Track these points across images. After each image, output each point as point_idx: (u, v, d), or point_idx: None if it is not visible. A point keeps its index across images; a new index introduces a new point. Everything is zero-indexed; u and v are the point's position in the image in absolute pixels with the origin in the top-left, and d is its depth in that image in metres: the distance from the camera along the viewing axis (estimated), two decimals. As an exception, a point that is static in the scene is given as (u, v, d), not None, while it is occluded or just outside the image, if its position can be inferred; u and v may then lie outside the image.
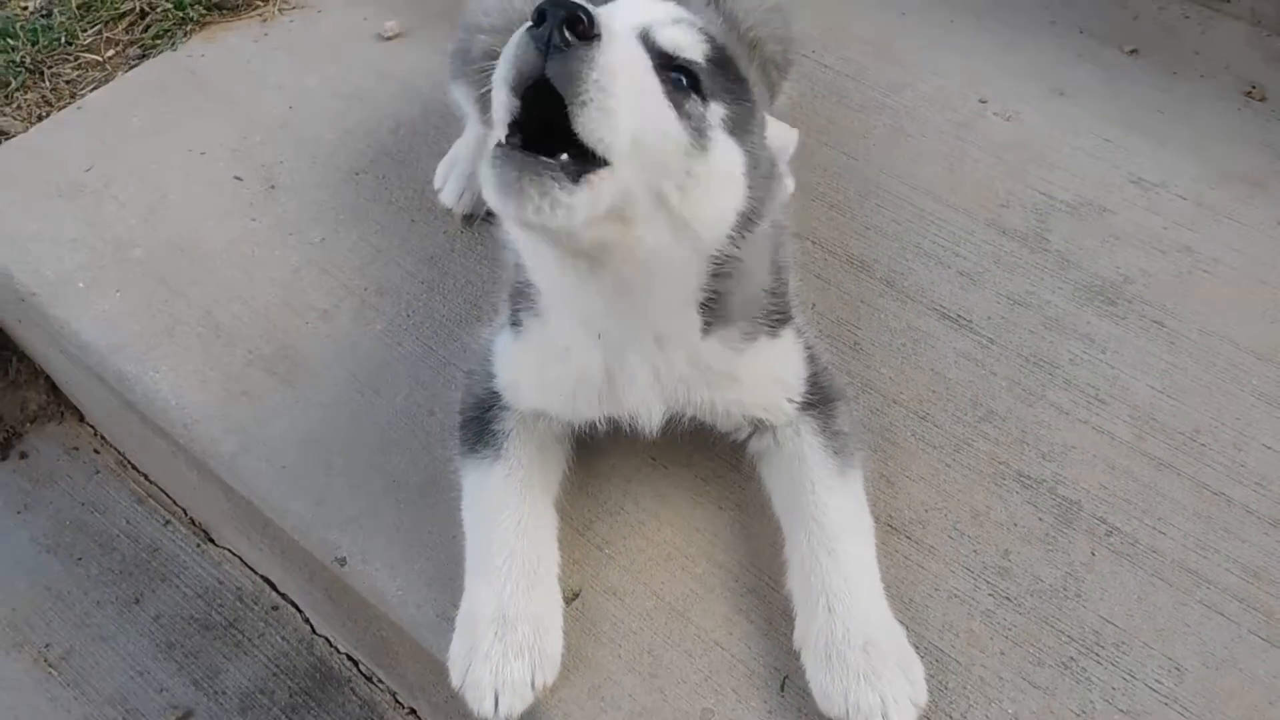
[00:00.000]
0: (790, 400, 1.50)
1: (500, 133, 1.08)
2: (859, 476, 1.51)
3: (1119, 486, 1.62)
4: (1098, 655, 1.45)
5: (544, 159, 1.03)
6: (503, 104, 1.07)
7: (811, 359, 1.54)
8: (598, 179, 1.05)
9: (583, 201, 1.05)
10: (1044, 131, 2.16)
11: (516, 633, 1.35)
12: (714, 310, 1.36)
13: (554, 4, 1.01)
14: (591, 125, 1.03)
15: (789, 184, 1.41)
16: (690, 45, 1.22)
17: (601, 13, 1.05)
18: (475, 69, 1.85)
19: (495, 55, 1.80)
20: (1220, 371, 1.77)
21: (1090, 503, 1.60)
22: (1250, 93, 2.25)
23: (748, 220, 1.28)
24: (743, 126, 1.26)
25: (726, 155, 1.22)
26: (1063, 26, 2.38)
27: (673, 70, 1.17)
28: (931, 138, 2.15)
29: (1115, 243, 1.96)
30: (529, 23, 1.03)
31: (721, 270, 1.31)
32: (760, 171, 1.30)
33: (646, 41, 1.18)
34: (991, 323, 1.83)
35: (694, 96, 1.18)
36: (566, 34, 1.01)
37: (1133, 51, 2.32)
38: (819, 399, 1.52)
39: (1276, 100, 2.23)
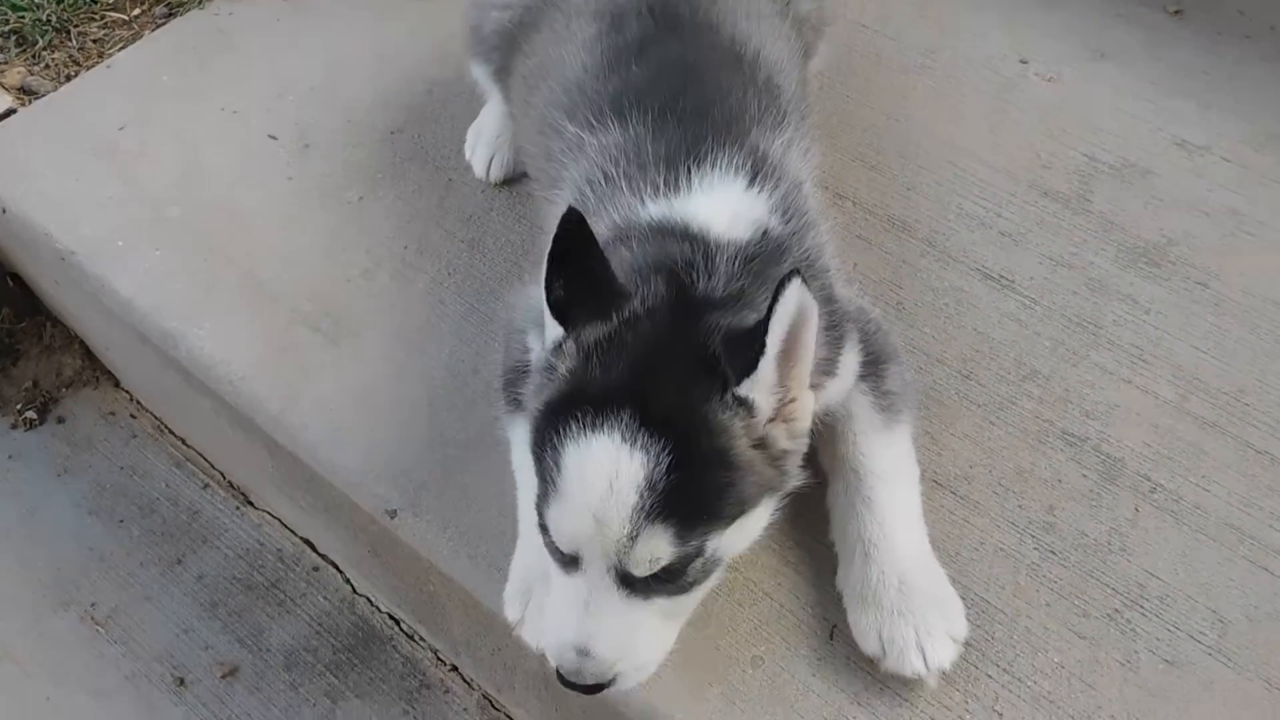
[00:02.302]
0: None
1: None
2: (906, 432, 1.51)
3: (1163, 445, 1.62)
4: (1142, 608, 1.46)
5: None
6: None
7: (864, 333, 1.50)
8: None
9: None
10: (1086, 93, 2.14)
11: None
12: None
13: (572, 686, 1.22)
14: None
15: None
16: (661, 551, 1.15)
17: (606, 649, 1.20)
18: (489, 47, 1.84)
19: (508, 33, 1.79)
20: (1265, 334, 1.76)
21: (1134, 460, 1.61)
22: (1296, 54, 2.22)
23: None
24: (751, 506, 1.22)
25: (733, 541, 1.23)
26: (1103, -14, 2.35)
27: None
28: (972, 99, 2.14)
29: (1159, 205, 1.94)
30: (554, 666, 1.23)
31: None
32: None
33: (623, 576, 1.18)
34: (1035, 283, 1.83)
35: (688, 569, 1.20)
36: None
37: (1176, 13, 2.29)
38: (870, 363, 1.50)
39: (1322, 62, 2.21)
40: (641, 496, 1.12)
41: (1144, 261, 1.86)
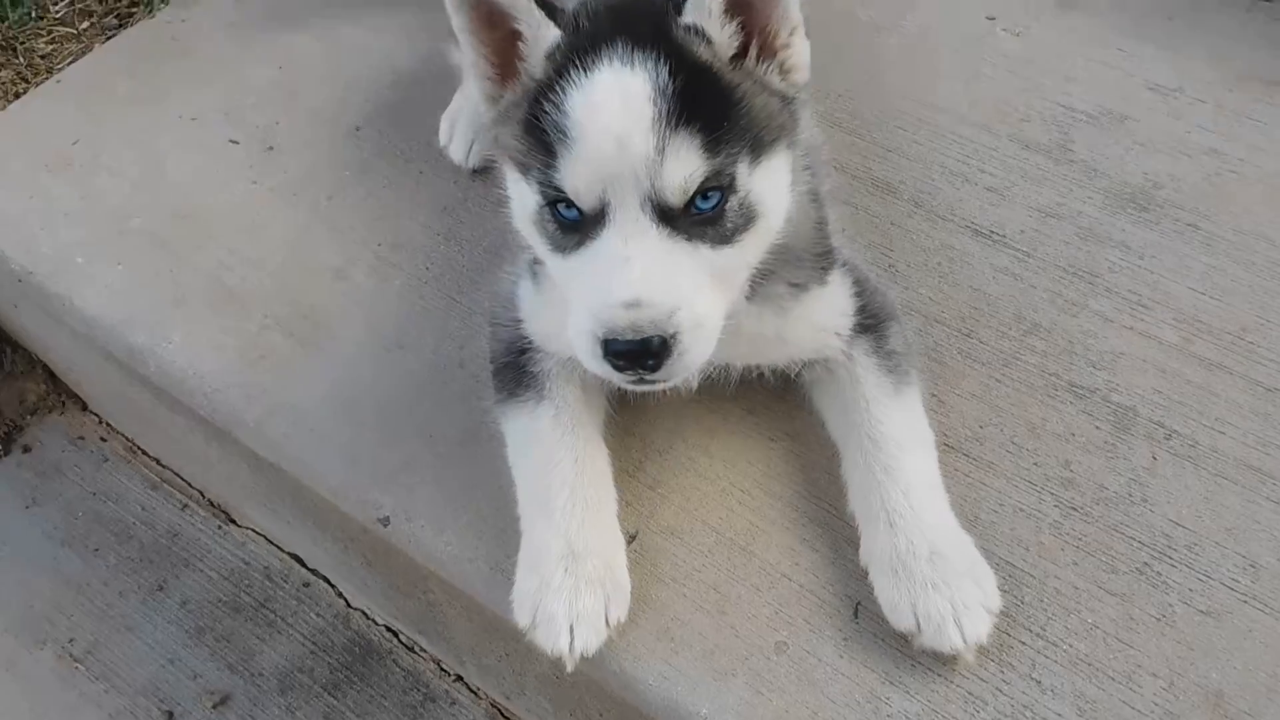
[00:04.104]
0: (839, 335, 1.46)
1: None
2: (916, 394, 1.47)
3: (1172, 390, 1.59)
4: (1171, 558, 1.42)
5: (648, 375, 1.17)
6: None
7: (859, 284, 1.49)
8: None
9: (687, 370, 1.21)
10: (1055, 44, 2.12)
11: (586, 566, 1.30)
12: (758, 278, 1.32)
13: (626, 358, 1.15)
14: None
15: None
16: (692, 164, 1.15)
17: (660, 293, 1.14)
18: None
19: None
20: (1260, 270, 1.73)
21: (1145, 408, 1.57)
22: (1258, -6, 2.21)
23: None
24: (767, 139, 1.22)
25: (763, 187, 1.22)
26: (1066, -63, 2.33)
27: (700, 198, 1.17)
28: (944, 58, 2.11)
29: (1140, 149, 1.92)
30: (601, 349, 1.16)
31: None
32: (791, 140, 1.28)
33: (661, 210, 1.16)
34: (1025, 236, 1.79)
35: (725, 209, 1.19)
36: (651, 368, 1.16)
37: (1138, -41, 2.28)
38: (871, 322, 1.47)
39: (1286, -1, 2.20)
40: (655, 105, 1.13)
41: (1132, 206, 1.83)
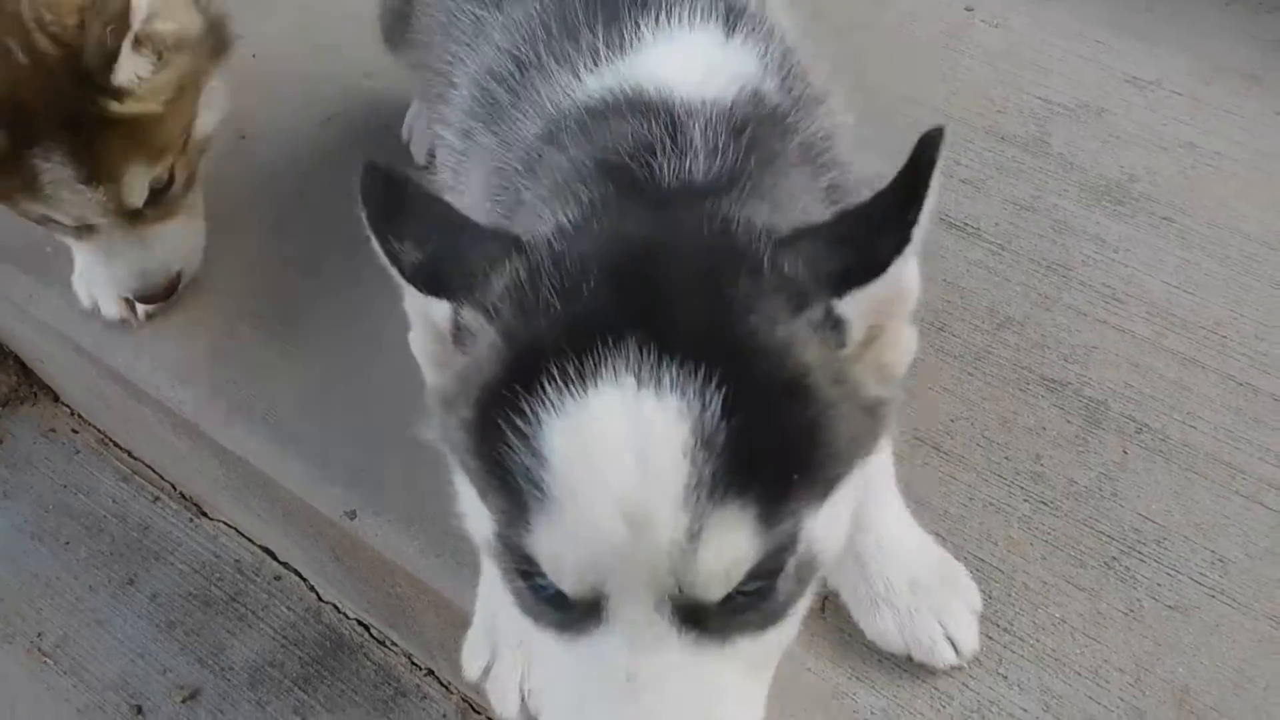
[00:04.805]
0: None
1: None
2: None
3: (1144, 384, 1.58)
4: (1140, 553, 1.41)
5: None
6: None
7: None
8: None
9: None
10: (1034, 36, 2.11)
11: None
12: None
13: None
14: None
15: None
16: (740, 549, 0.73)
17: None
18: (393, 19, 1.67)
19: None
20: (1234, 264, 1.73)
21: (1117, 402, 1.56)
22: (1237, -13, 2.21)
23: None
24: (843, 472, 0.80)
25: (828, 531, 0.80)
26: (1045, -71, 2.32)
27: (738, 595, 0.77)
28: (921, 51, 2.10)
29: (1117, 143, 1.91)
30: None
31: None
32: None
33: (686, 610, 0.75)
34: (1000, 229, 1.79)
35: (778, 584, 0.78)
36: None
37: (1118, -49, 2.27)
38: None
39: (1264, -7, 2.20)
40: (695, 463, 0.69)
41: (1108, 200, 1.82)
